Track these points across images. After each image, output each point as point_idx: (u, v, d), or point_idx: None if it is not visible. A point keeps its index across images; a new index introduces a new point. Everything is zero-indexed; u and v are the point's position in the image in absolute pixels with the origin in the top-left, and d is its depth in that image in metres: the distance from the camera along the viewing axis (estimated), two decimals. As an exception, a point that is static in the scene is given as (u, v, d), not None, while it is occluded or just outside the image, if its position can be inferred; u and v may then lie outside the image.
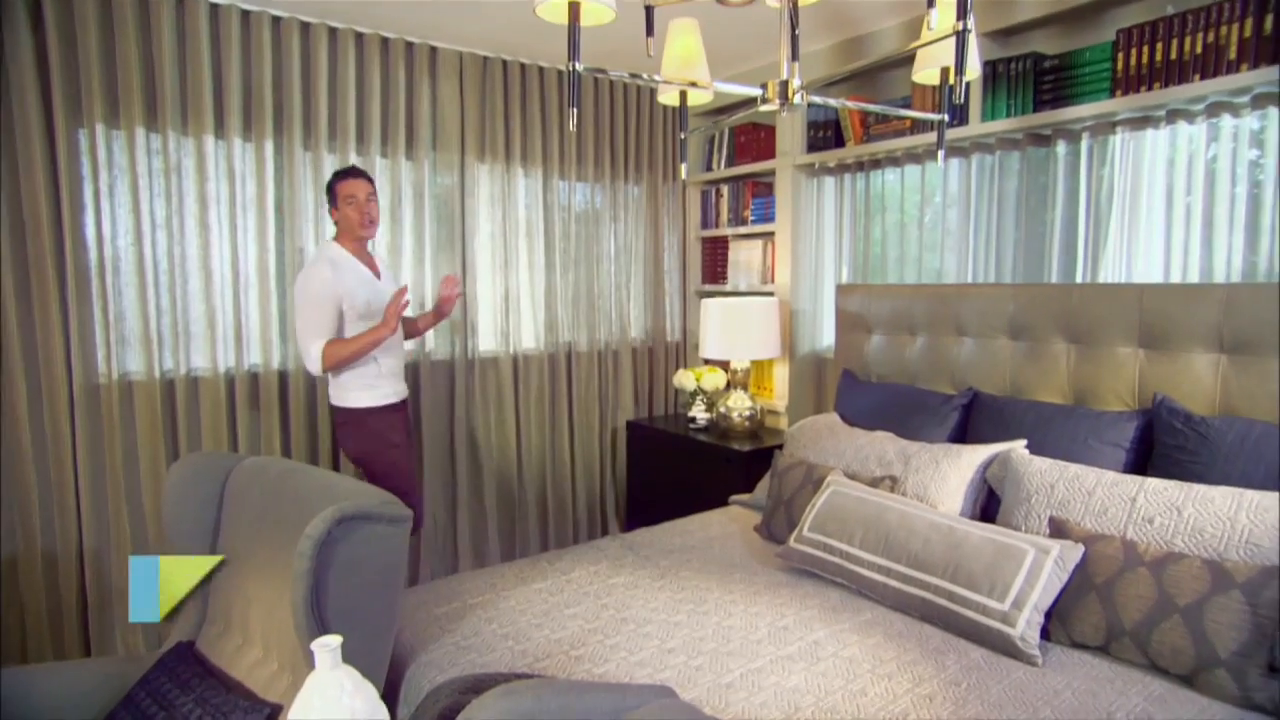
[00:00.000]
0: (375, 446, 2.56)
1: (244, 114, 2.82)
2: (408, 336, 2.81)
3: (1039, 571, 1.78)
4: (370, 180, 2.54)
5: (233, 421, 2.88)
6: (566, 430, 3.61)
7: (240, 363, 2.86)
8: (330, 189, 2.53)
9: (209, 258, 2.78)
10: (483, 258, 3.42)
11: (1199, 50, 2.18)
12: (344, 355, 2.44)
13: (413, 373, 3.23)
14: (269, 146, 2.87)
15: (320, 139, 2.97)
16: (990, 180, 2.76)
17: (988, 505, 2.23)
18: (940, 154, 1.76)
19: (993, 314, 2.55)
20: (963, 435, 2.49)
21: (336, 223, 2.55)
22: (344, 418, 2.55)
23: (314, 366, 2.44)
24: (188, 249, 2.75)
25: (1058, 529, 1.93)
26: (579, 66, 1.36)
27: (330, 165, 3.00)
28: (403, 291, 2.42)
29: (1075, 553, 1.81)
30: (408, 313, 2.89)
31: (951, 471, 2.25)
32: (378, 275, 2.60)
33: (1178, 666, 1.61)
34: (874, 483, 2.34)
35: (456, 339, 3.34)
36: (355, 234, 2.52)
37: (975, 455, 2.26)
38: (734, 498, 2.91)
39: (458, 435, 3.38)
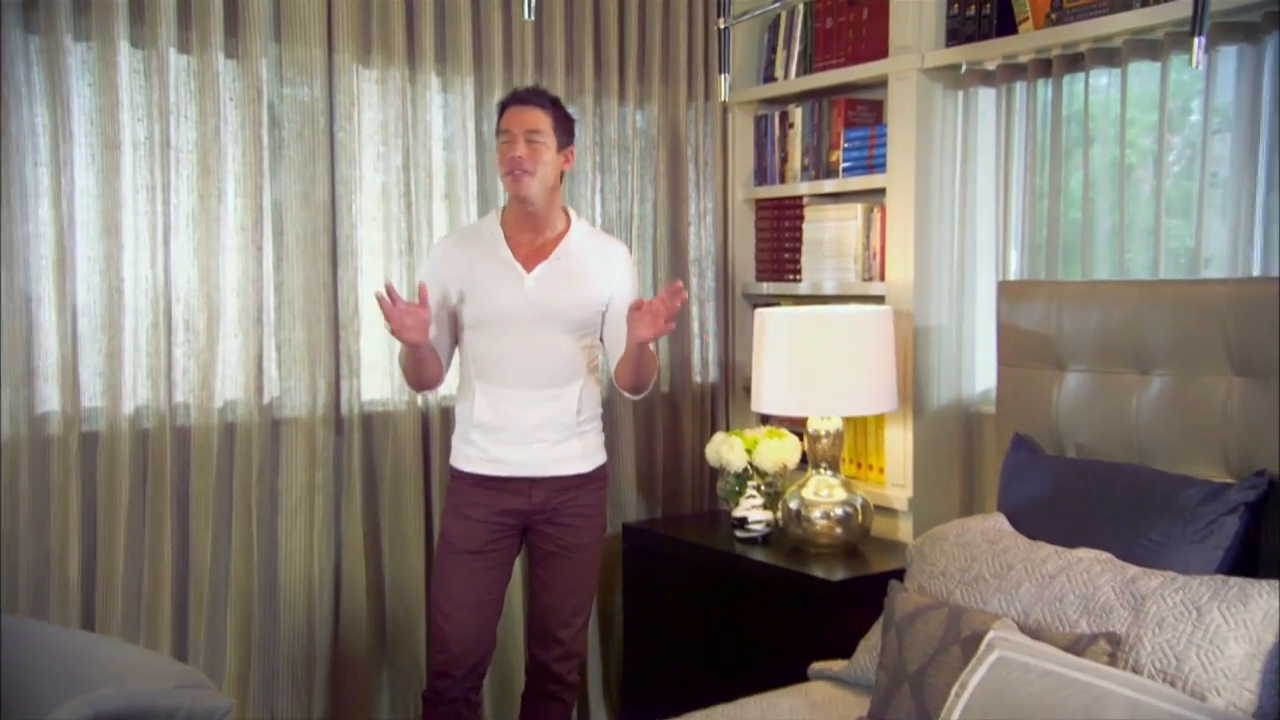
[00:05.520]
0: (442, 530, 3.07)
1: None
2: (632, 390, 3.07)
3: None
4: (542, 105, 2.90)
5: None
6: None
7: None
8: (496, 124, 2.96)
9: None
10: (369, 231, 3.41)
11: None
12: (403, 371, 3.05)
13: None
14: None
15: (58, 12, 2.87)
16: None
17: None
18: (1198, 42, 1.75)
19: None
20: (1250, 560, 2.41)
21: None
22: None
23: None
24: None
25: None
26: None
27: (78, 56, 2.95)
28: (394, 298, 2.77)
29: None
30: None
31: (1231, 629, 2.16)
32: (530, 265, 2.93)
33: None
34: (1076, 645, 2.24)
35: (321, 380, 3.31)
36: (505, 189, 2.97)
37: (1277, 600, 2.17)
38: (818, 666, 2.86)
39: (319, 547, 3.34)
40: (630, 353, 2.88)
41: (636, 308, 2.79)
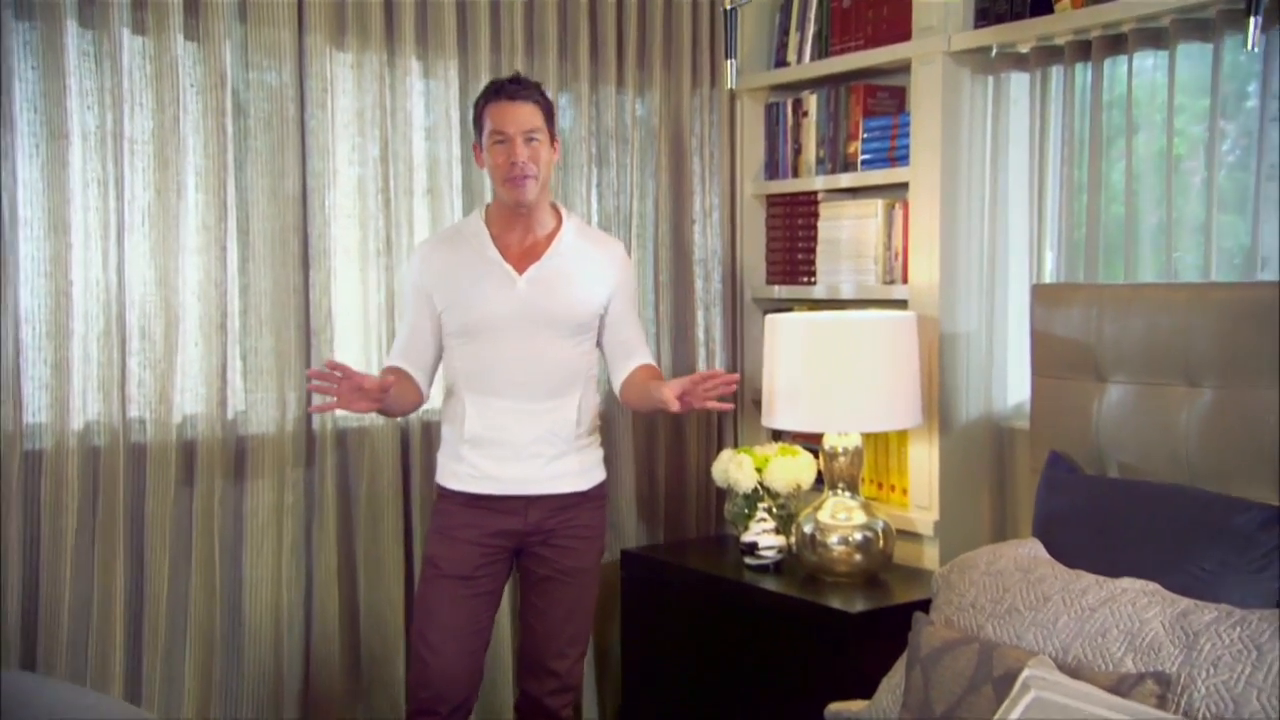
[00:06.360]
0: (426, 553, 3.08)
1: None
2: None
3: None
4: (535, 99, 2.92)
5: None
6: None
7: None
8: (477, 118, 2.96)
9: None
10: (343, 229, 3.44)
11: None
12: None
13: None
14: None
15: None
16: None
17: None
18: (1255, 22, 1.76)
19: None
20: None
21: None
22: None
23: None
24: None
25: None
26: None
27: (20, 36, 2.95)
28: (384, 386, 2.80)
29: None
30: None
31: (1295, 670, 2.13)
32: (521, 267, 2.95)
33: None
34: (1120, 686, 2.22)
35: (291, 393, 3.34)
36: (501, 194, 2.96)
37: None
38: (835, 707, 2.84)
39: (288, 576, 3.35)
40: (648, 399, 2.89)
41: (681, 394, 2.80)
